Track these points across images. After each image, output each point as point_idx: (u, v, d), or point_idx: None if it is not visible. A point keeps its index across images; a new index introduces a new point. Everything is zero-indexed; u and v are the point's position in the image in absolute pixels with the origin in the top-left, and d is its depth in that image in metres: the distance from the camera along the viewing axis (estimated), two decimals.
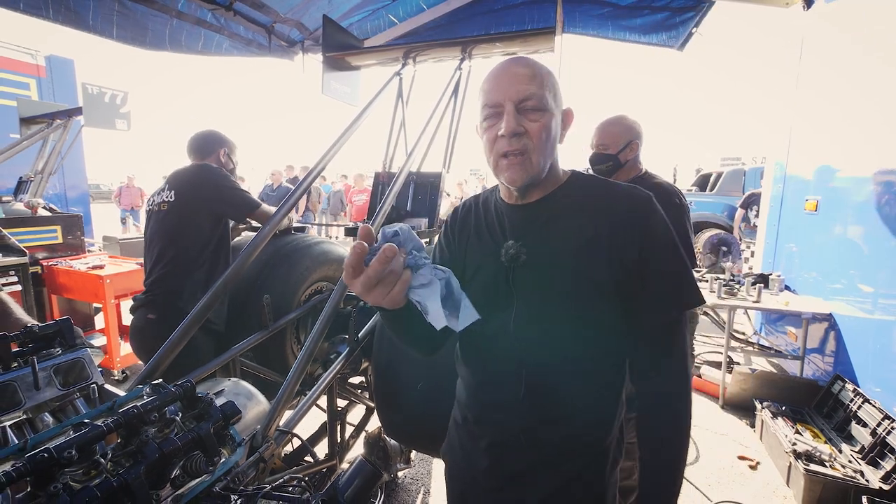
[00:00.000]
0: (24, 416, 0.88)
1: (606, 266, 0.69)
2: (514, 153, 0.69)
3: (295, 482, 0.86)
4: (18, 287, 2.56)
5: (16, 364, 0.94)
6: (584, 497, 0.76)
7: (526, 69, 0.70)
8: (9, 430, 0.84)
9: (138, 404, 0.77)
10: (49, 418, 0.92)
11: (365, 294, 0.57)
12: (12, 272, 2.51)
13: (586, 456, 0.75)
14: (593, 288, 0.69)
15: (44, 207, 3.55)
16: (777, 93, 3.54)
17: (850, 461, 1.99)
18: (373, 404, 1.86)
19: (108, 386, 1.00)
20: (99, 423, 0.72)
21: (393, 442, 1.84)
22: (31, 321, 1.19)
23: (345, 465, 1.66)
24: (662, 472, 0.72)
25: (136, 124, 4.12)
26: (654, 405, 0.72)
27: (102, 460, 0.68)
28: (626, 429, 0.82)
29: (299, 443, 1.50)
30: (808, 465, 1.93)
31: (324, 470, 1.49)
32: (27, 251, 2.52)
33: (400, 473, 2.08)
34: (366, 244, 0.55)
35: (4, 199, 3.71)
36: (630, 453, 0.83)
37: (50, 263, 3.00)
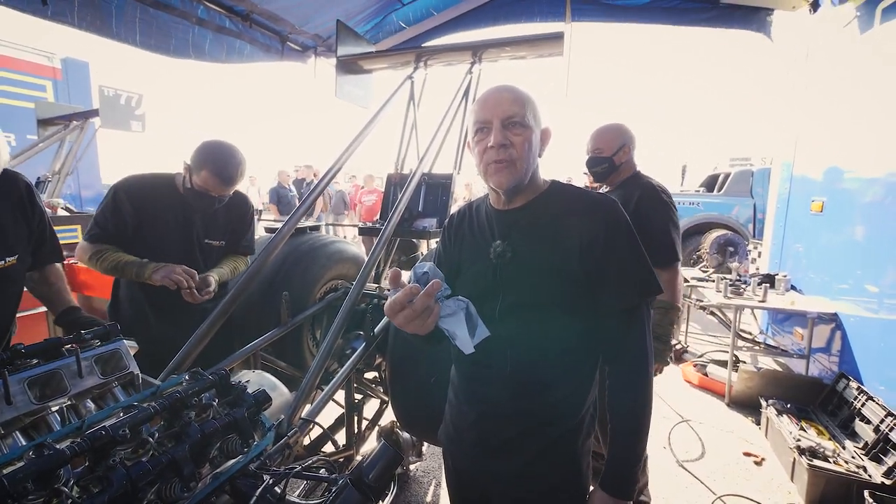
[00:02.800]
0: (69, 402, 0.94)
1: (577, 260, 0.81)
2: (500, 161, 0.82)
3: (322, 464, 0.92)
4: None
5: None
6: (560, 463, 0.87)
7: (510, 94, 0.84)
8: (55, 416, 0.90)
9: (180, 389, 0.83)
10: (91, 404, 0.98)
11: (405, 325, 0.70)
12: None
13: (562, 426, 0.86)
14: (566, 279, 0.81)
15: (63, 208, 3.64)
16: (784, 94, 3.56)
17: (853, 457, 2.02)
18: (387, 398, 1.91)
19: (143, 375, 1.06)
20: (146, 405, 0.78)
21: (405, 435, 1.90)
22: (73, 301, 1.27)
23: (359, 458, 1.72)
24: (625, 439, 0.83)
25: (147, 124, 4.22)
26: (617, 381, 0.85)
27: (151, 440, 0.74)
28: (598, 404, 0.93)
29: (317, 434, 1.56)
30: (811, 461, 1.96)
31: (341, 459, 1.55)
32: None
33: (412, 466, 2.13)
34: (414, 284, 0.70)
35: None
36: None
37: (70, 262, 3.08)
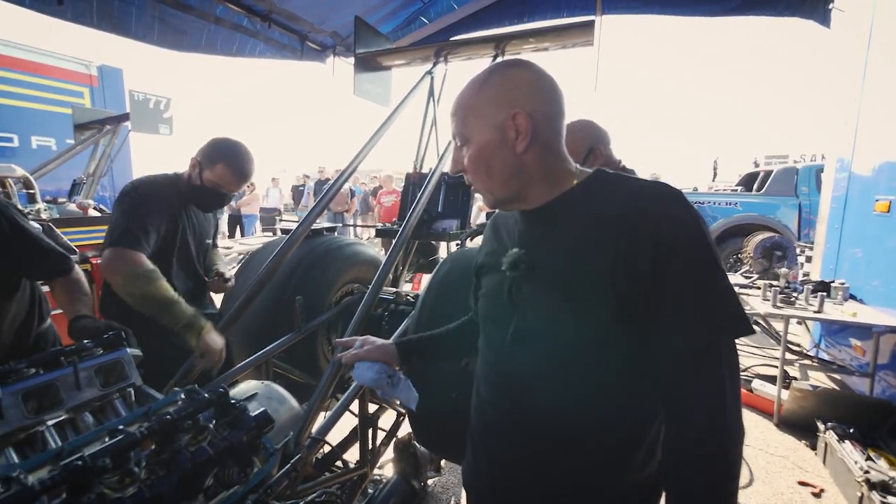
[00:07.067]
0: (66, 416, 0.88)
1: (612, 279, 0.59)
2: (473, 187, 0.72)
3: (329, 497, 0.83)
4: None
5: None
6: None
7: (454, 106, 0.70)
8: (51, 431, 0.84)
9: (172, 410, 0.74)
10: (90, 418, 0.91)
11: None
12: None
13: (599, 497, 0.68)
14: (596, 304, 0.61)
15: (94, 208, 3.75)
16: (840, 83, 3.25)
17: None
18: (404, 410, 1.81)
19: (145, 387, 1.00)
20: (133, 429, 0.70)
21: (423, 449, 1.79)
22: (82, 309, 1.20)
23: (376, 471, 1.63)
24: None
25: (175, 127, 4.31)
26: (679, 450, 0.61)
27: (136, 469, 0.66)
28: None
29: (329, 448, 1.47)
30: (885, 498, 1.72)
31: (355, 477, 1.45)
32: (77, 250, 2.65)
33: (430, 481, 2.02)
34: None
35: (59, 200, 3.95)
36: None
37: (96, 261, 3.15)
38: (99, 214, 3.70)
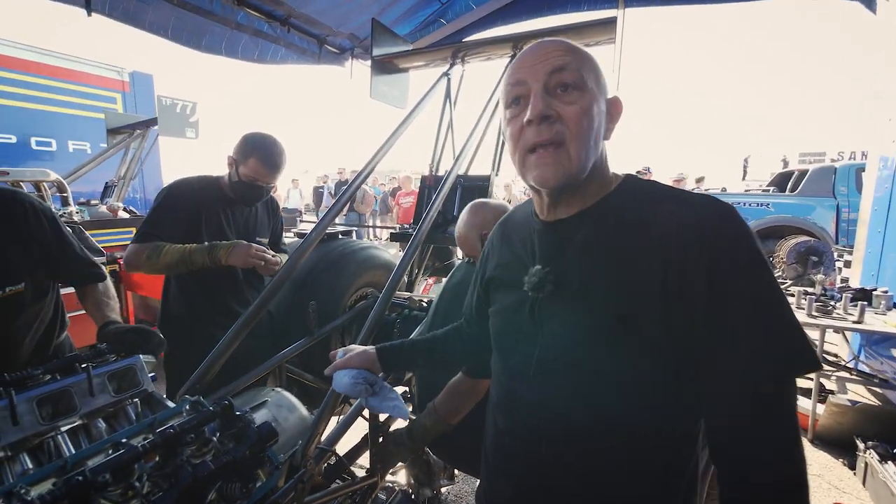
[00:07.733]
0: (80, 422, 0.89)
1: (660, 306, 0.53)
2: (544, 144, 0.57)
3: None
4: None
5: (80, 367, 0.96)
6: None
7: (560, 45, 0.59)
8: (64, 437, 0.85)
9: (176, 423, 0.74)
10: (102, 425, 0.93)
11: None
12: None
13: None
14: (639, 334, 0.55)
15: (123, 210, 3.90)
16: (884, 77, 3.03)
17: None
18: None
19: (156, 393, 1.00)
20: (136, 442, 0.69)
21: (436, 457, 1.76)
22: (110, 315, 1.24)
23: (388, 477, 1.60)
24: None
25: (200, 131, 4.43)
26: (745, 498, 0.52)
27: (138, 484, 0.66)
28: None
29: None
30: None
31: (365, 486, 1.44)
32: (105, 251, 2.75)
33: (443, 489, 1.99)
34: None
35: (92, 202, 4.12)
36: None
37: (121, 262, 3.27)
38: (128, 216, 3.84)
